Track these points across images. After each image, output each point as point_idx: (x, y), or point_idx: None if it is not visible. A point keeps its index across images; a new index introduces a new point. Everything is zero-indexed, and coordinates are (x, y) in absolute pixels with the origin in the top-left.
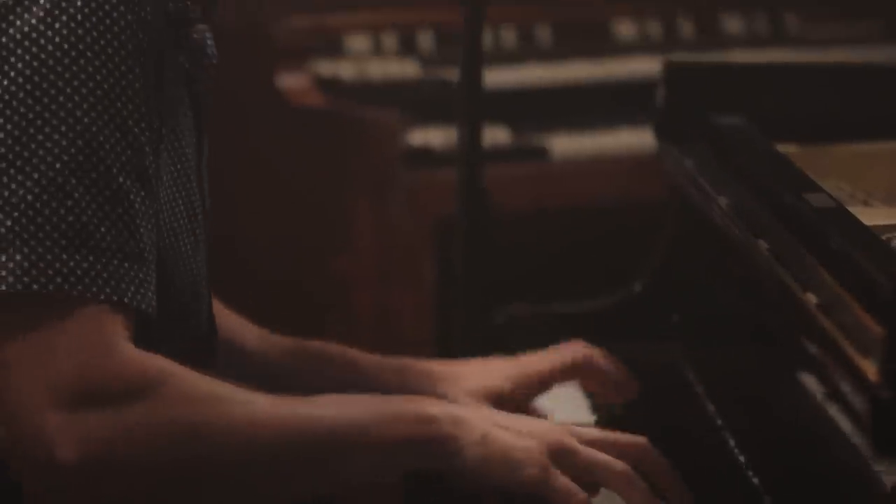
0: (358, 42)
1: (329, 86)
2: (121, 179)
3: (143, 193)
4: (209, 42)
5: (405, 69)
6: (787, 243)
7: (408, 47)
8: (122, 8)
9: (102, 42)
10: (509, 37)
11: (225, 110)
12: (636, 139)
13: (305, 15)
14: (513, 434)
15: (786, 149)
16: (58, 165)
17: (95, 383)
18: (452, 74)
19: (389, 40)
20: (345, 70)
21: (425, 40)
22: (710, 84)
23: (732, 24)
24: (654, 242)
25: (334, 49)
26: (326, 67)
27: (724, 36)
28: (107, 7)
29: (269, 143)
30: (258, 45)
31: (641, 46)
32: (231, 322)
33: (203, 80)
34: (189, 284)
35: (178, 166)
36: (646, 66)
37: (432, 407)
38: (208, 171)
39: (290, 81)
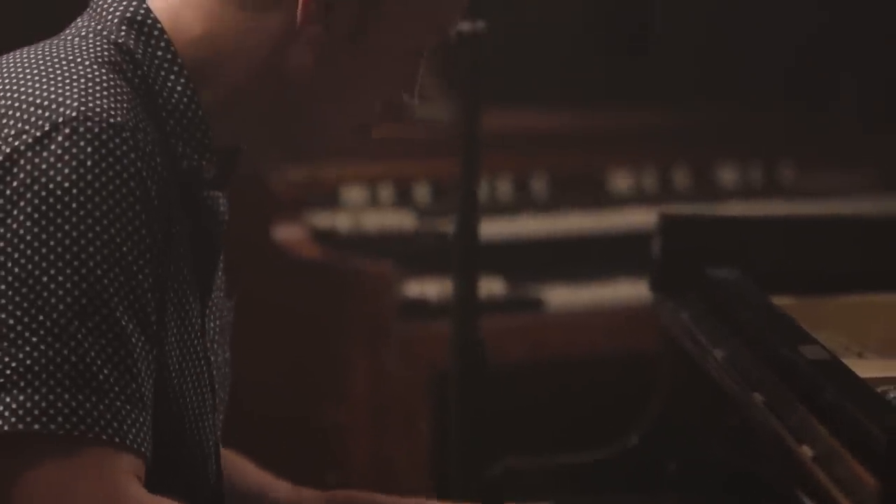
0: (354, 194)
1: (325, 237)
2: (123, 323)
3: (143, 339)
4: (222, 208)
5: (401, 220)
6: (782, 396)
7: (404, 199)
8: (132, 155)
9: (111, 187)
10: (505, 188)
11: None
12: (632, 291)
13: (302, 167)
14: None
15: (781, 301)
16: (61, 307)
17: None
18: (448, 226)
19: (386, 192)
20: (341, 222)
21: (421, 192)
22: (705, 236)
23: (727, 174)
24: (650, 394)
25: (330, 201)
26: (323, 219)
27: (719, 186)
28: (118, 153)
29: (265, 295)
30: (254, 197)
31: (637, 198)
32: (260, 478)
33: (213, 244)
34: (194, 441)
35: (182, 323)
36: (641, 218)
37: None
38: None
39: (287, 233)
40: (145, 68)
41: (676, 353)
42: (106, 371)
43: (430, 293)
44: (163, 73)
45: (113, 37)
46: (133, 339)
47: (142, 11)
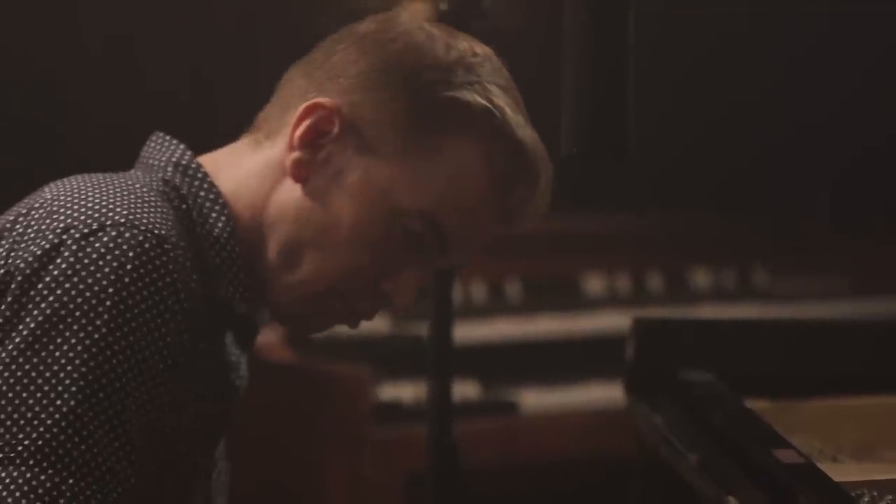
0: None
1: (298, 341)
2: (130, 411)
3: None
4: (243, 364)
5: (375, 324)
6: (757, 499)
7: None
8: (169, 266)
9: (145, 293)
10: (479, 291)
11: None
12: (606, 394)
13: None
14: None
15: (755, 404)
16: (79, 397)
17: None
18: (422, 329)
19: None
20: None
21: None
22: (679, 340)
23: (701, 278)
24: (624, 497)
25: None
26: None
27: (693, 290)
28: (157, 262)
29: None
30: None
31: (610, 301)
32: None
33: (241, 375)
34: None
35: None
36: (615, 322)
37: None
38: None
39: (260, 337)
40: (190, 202)
41: (650, 456)
42: (110, 462)
43: (405, 396)
44: (206, 208)
45: (160, 174)
46: (133, 434)
47: (186, 157)
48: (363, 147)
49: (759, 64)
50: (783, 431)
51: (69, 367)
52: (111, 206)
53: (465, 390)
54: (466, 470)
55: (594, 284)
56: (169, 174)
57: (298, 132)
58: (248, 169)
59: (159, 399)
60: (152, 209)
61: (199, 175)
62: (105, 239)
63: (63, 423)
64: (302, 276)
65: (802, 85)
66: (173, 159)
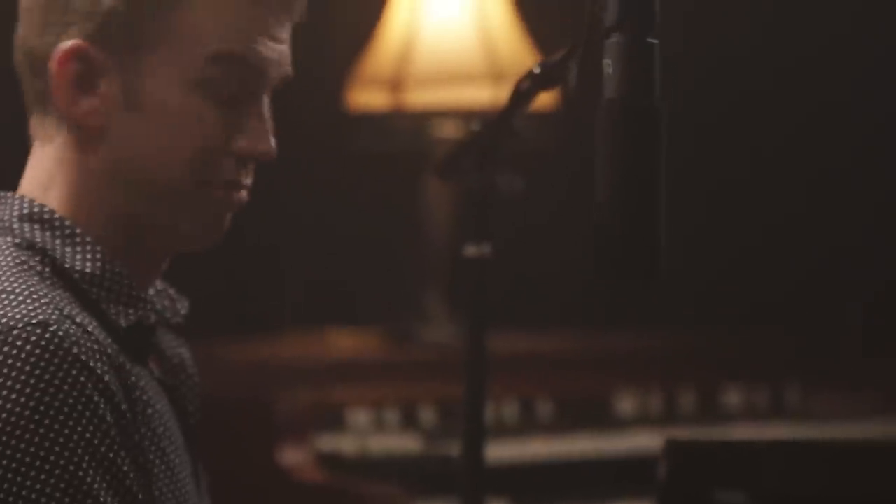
0: (360, 417)
1: (330, 461)
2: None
3: None
4: (186, 357)
5: (406, 444)
6: None
7: (410, 421)
8: (64, 345)
9: (56, 382)
10: (511, 410)
11: (225, 485)
12: None
13: (307, 389)
14: None
15: None
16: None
17: None
18: (454, 448)
19: (391, 415)
20: (346, 445)
21: (427, 415)
22: (711, 460)
23: (733, 397)
24: None
25: (336, 424)
26: (327, 442)
27: (725, 409)
28: (51, 348)
29: None
30: (259, 420)
31: (642, 420)
32: None
33: (189, 399)
34: None
35: (173, 475)
36: (646, 441)
37: None
38: None
39: (291, 457)
40: (50, 254)
41: None
42: None
43: None
44: (68, 251)
45: (10, 239)
46: None
47: (25, 205)
48: (128, 55)
49: (789, 180)
50: None
51: (28, 484)
52: None
53: None
54: None
55: (626, 403)
56: (17, 232)
57: (65, 95)
58: (59, 162)
59: (120, 465)
60: (20, 295)
61: (46, 216)
62: None
63: None
64: (176, 193)
65: (834, 200)
66: (15, 213)
